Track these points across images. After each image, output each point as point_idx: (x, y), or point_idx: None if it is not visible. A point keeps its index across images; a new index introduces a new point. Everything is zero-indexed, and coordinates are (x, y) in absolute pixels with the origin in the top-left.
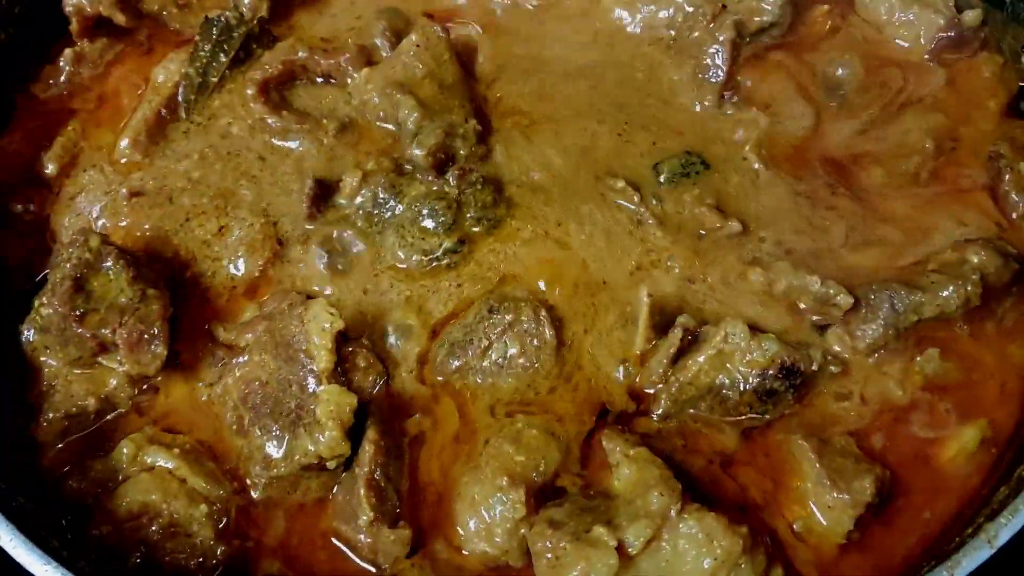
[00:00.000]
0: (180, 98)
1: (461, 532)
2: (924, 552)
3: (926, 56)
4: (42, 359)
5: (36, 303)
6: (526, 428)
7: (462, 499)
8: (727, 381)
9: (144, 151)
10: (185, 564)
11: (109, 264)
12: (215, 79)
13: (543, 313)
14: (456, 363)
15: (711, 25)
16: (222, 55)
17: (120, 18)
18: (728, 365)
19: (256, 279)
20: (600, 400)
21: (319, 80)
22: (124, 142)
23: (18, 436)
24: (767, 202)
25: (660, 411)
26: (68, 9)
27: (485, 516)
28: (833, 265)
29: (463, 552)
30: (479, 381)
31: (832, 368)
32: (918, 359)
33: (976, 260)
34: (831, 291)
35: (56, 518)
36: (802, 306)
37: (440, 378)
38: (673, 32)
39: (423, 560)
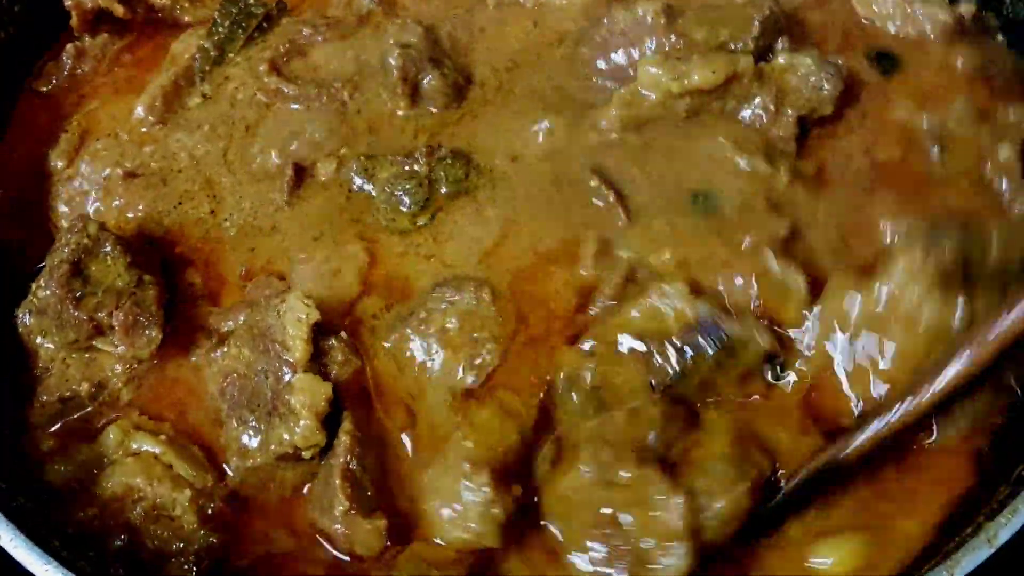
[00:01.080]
0: (196, 68)
1: (435, 523)
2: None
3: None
4: (38, 342)
5: (33, 286)
6: (476, 411)
7: (431, 490)
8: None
9: (160, 117)
10: (167, 548)
11: (107, 249)
12: (232, 55)
13: (486, 292)
14: (394, 335)
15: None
16: (240, 31)
17: (119, 10)
18: (659, 322)
19: (248, 260)
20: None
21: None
22: (140, 108)
23: (14, 421)
24: None
25: (587, 347)
26: (68, 3)
27: (456, 505)
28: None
29: (439, 542)
30: (415, 355)
31: (761, 342)
32: None
33: None
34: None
35: (42, 503)
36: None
37: (385, 344)
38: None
39: (414, 550)
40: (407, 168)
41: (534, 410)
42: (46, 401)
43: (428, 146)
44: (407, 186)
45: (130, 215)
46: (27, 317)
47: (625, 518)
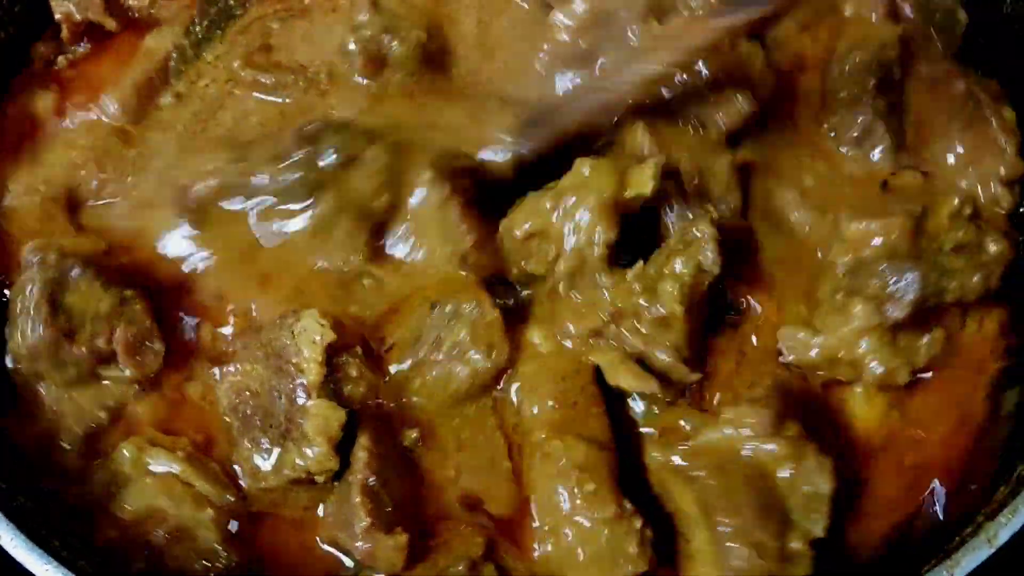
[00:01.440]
0: (172, 68)
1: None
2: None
3: None
4: (38, 387)
5: (14, 332)
6: (567, 452)
7: (555, 544)
8: None
9: (134, 115)
10: (189, 567)
11: (76, 274)
12: (206, 54)
13: (482, 297)
14: (410, 360)
15: None
16: (218, 32)
17: (111, 23)
18: None
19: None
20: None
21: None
22: (113, 105)
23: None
24: None
25: None
26: (58, 16)
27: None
28: None
29: None
30: (435, 374)
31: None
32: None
33: (994, 249)
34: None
35: (60, 522)
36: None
37: (395, 369)
38: None
39: None
40: (285, 163)
41: (608, 429)
42: (72, 441)
43: (296, 129)
44: (295, 175)
45: (104, 223)
46: (18, 364)
47: (782, 473)
